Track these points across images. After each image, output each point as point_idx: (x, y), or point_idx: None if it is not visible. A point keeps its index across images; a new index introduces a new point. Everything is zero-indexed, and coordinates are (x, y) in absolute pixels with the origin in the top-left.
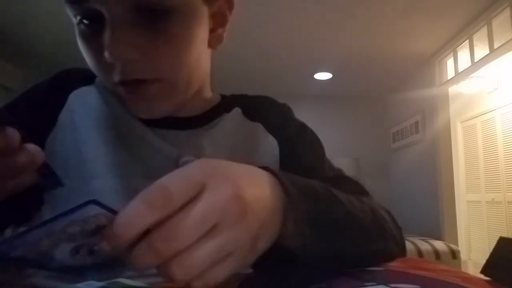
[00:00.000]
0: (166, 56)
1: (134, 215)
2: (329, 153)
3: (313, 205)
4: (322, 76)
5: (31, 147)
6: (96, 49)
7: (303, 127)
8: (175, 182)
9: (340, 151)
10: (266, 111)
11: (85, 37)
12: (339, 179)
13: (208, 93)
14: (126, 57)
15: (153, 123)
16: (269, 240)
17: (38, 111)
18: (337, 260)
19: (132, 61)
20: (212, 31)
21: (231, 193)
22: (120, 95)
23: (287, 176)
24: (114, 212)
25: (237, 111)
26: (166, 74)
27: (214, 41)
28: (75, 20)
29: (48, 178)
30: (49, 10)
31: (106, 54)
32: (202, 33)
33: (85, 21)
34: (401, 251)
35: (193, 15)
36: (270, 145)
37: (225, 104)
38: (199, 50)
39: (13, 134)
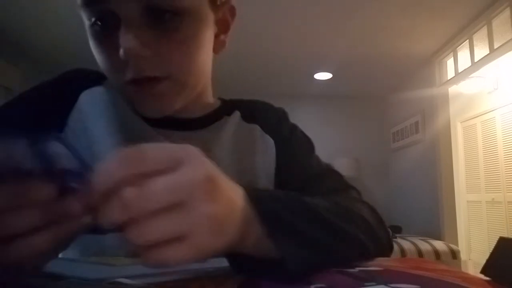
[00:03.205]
0: (177, 55)
1: (109, 167)
2: (329, 153)
3: (283, 216)
4: (322, 76)
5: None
6: (109, 49)
7: (294, 127)
8: (154, 148)
9: (340, 151)
10: (263, 114)
11: (98, 37)
12: (324, 175)
13: (210, 96)
14: (140, 54)
15: (158, 125)
16: (231, 241)
17: (47, 111)
18: (318, 262)
19: (145, 58)
20: (216, 36)
21: (205, 174)
22: (129, 95)
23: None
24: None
25: (236, 114)
26: (176, 72)
27: (217, 46)
28: (88, 23)
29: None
30: (49, 10)
31: (121, 51)
32: (209, 38)
33: (98, 23)
34: (383, 247)
35: (201, 18)
36: (267, 145)
37: (226, 107)
38: (208, 53)
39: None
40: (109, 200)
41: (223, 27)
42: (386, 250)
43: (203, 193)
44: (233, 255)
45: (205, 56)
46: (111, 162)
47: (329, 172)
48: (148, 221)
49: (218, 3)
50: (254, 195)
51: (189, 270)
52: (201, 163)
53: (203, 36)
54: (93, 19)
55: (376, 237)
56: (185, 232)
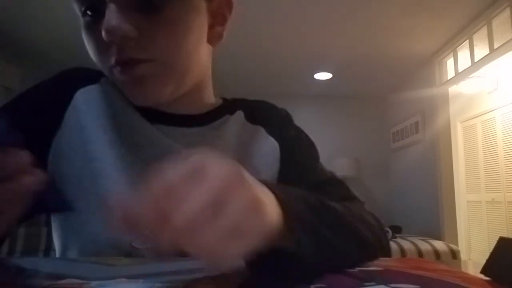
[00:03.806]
0: (162, 37)
1: (142, 209)
2: (329, 153)
3: (306, 213)
4: (322, 76)
5: (35, 169)
6: (97, 35)
7: (300, 131)
8: (172, 170)
9: (340, 151)
10: (267, 115)
11: (88, 26)
12: (329, 183)
13: (210, 93)
14: (122, 34)
15: (157, 120)
16: (271, 224)
17: (44, 110)
18: (327, 261)
19: (128, 39)
20: (211, 28)
21: (225, 167)
22: (117, 80)
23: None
24: None
25: (239, 114)
26: (161, 55)
27: (213, 38)
28: (80, 13)
29: (53, 200)
30: (49, 10)
31: (103, 33)
32: (199, 24)
33: (89, 12)
34: (384, 252)
35: (190, 2)
36: (271, 147)
37: (228, 106)
38: (197, 40)
39: (25, 156)
40: (158, 231)
41: (219, 18)
42: (387, 255)
43: (236, 184)
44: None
45: (195, 43)
46: (141, 203)
47: (334, 181)
48: (202, 232)
49: None
50: (282, 196)
51: (189, 269)
52: (220, 161)
53: (192, 21)
54: (83, 9)
55: (382, 245)
56: (236, 224)
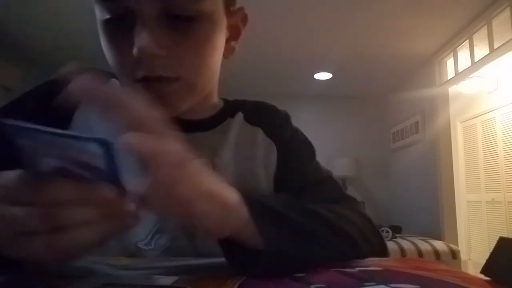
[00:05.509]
0: (190, 57)
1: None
2: (329, 153)
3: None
4: (322, 76)
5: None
6: (122, 46)
7: (296, 131)
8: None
9: (340, 151)
10: (266, 117)
11: (113, 34)
12: (321, 183)
13: (215, 97)
14: (154, 53)
15: None
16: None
17: (51, 110)
18: (305, 255)
19: (159, 58)
20: (226, 41)
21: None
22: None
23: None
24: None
25: (239, 116)
26: (187, 74)
27: (226, 52)
28: (101, 17)
29: None
30: (49, 10)
31: (134, 50)
32: (221, 40)
33: (113, 19)
34: (374, 251)
35: (216, 22)
36: (269, 149)
37: (229, 109)
38: (219, 56)
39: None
40: None
41: (234, 33)
42: (379, 255)
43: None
44: (227, 246)
45: (217, 61)
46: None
47: (327, 181)
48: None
49: (232, 9)
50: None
51: (190, 270)
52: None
53: (217, 39)
54: (107, 16)
55: (371, 244)
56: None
